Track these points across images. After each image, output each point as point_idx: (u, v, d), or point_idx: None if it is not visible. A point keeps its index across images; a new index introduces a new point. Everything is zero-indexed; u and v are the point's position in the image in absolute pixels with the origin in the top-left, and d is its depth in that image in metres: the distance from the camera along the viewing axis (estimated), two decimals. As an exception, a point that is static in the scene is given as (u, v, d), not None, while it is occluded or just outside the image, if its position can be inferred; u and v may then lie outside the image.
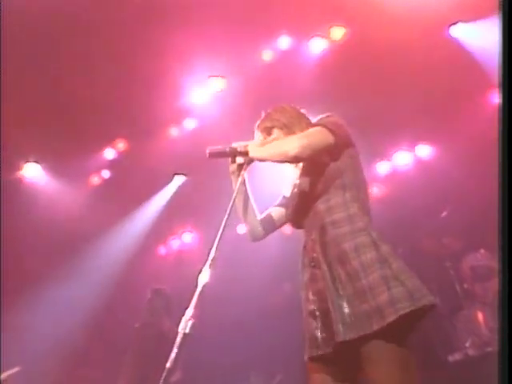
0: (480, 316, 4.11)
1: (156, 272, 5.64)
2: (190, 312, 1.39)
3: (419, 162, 5.49)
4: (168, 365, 1.28)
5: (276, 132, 1.96)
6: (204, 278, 1.47)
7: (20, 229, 4.86)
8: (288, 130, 1.95)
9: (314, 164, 1.81)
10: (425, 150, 5.51)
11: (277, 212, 1.98)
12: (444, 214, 4.87)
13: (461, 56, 4.52)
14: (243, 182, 1.89)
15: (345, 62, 4.58)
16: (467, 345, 4.02)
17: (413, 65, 4.41)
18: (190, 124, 5.24)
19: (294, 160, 1.81)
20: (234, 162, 1.88)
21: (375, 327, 1.48)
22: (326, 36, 4.65)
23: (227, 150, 1.87)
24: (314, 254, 1.71)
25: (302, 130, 1.88)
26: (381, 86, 4.54)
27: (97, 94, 4.44)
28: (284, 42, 4.71)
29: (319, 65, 4.70)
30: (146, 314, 4.37)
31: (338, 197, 1.73)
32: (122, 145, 5.32)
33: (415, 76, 4.45)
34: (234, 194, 1.79)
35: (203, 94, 4.93)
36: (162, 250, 6.23)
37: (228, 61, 4.58)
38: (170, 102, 4.85)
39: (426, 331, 4.40)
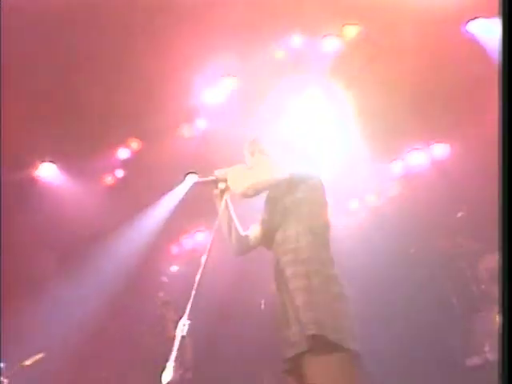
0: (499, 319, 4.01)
1: (168, 271, 5.66)
2: (185, 317, 1.46)
3: (435, 162, 5.41)
4: (168, 364, 1.32)
5: (256, 156, 2.10)
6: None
7: (35, 227, 4.93)
8: (267, 156, 2.08)
9: (271, 197, 1.99)
10: (441, 149, 5.42)
11: (255, 233, 2.09)
12: (460, 214, 4.78)
13: (477, 53, 4.43)
14: (226, 206, 2.03)
15: (358, 60, 4.52)
16: (486, 349, 3.94)
17: (428, 62, 4.34)
18: (202, 123, 5.24)
19: (243, 197, 1.96)
20: (216, 187, 2.00)
21: (303, 347, 1.74)
22: (339, 34, 4.60)
23: (210, 179, 2.00)
24: (274, 281, 1.95)
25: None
26: (394, 84, 4.48)
27: (110, 94, 4.47)
28: (296, 40, 4.67)
29: (332, 63, 4.65)
30: (154, 324, 4.45)
31: (292, 229, 1.90)
32: (135, 144, 5.36)
33: (431, 73, 4.38)
34: (219, 217, 1.96)
35: (215, 93, 4.93)
36: (174, 249, 6.25)
37: (240, 60, 4.56)
38: (182, 101, 4.85)
39: (442, 333, 4.33)
